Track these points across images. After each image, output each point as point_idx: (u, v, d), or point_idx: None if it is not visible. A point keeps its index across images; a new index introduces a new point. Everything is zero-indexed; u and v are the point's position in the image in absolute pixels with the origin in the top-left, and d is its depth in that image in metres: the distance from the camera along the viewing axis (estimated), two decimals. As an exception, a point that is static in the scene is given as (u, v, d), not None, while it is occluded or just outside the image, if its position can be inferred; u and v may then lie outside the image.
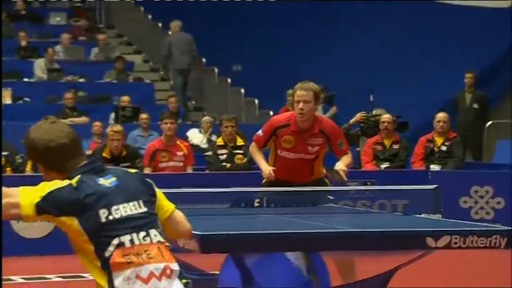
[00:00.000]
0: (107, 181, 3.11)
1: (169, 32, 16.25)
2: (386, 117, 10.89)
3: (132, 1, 18.51)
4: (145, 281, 3.03)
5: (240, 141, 10.82)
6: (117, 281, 3.02)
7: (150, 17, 17.96)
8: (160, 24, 17.44)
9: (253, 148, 6.25)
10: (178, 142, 10.74)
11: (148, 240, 3.08)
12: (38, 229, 8.99)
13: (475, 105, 13.78)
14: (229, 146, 10.76)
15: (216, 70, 16.77)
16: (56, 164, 3.14)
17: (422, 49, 16.62)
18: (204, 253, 4.24)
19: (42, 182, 3.14)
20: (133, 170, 3.29)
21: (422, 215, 5.37)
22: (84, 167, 3.13)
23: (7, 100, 14.39)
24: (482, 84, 14.75)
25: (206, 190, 5.73)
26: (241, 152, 10.74)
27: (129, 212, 3.08)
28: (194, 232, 4.01)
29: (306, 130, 6.01)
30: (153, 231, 3.10)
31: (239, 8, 18.04)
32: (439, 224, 5.08)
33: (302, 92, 6.03)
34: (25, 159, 10.14)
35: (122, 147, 10.17)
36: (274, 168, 6.00)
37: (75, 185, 3.08)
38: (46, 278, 7.79)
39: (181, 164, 10.57)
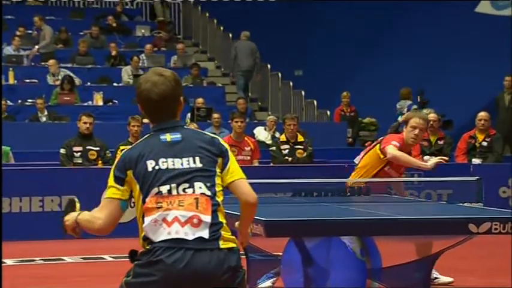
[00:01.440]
0: (170, 136, 3.01)
1: (238, 41, 16.35)
2: (432, 116, 10.73)
3: (207, 14, 18.61)
4: (169, 224, 2.90)
5: (300, 138, 10.79)
6: (146, 223, 2.93)
7: (222, 28, 18.03)
8: (230, 35, 17.50)
9: (398, 152, 5.99)
10: (246, 138, 10.76)
11: (190, 191, 2.95)
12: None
13: (514, 105, 13.46)
14: (291, 142, 10.73)
15: (279, 75, 16.76)
16: (146, 112, 3.09)
17: (466, 55, 16.31)
18: (269, 237, 4.21)
19: None
20: (211, 134, 3.14)
21: (465, 204, 5.26)
22: (160, 125, 3.05)
23: (99, 102, 14.62)
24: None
25: (271, 181, 5.71)
26: (301, 147, 10.70)
27: (178, 166, 2.96)
28: (259, 218, 3.99)
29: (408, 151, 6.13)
30: (198, 184, 2.96)
31: (300, 21, 17.98)
32: (481, 211, 4.97)
33: (421, 121, 6.08)
34: (114, 153, 10.29)
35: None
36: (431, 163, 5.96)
37: (137, 143, 3.06)
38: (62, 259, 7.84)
39: (248, 157, 10.59)
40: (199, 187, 2.96)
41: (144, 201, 2.96)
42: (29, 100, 14.03)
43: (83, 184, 8.86)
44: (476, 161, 10.57)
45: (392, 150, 5.92)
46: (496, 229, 4.29)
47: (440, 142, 10.78)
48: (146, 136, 3.09)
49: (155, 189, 2.95)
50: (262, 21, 17.79)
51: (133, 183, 2.99)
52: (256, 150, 10.71)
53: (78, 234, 3.14)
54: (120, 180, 3.01)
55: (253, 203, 3.10)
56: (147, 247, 2.95)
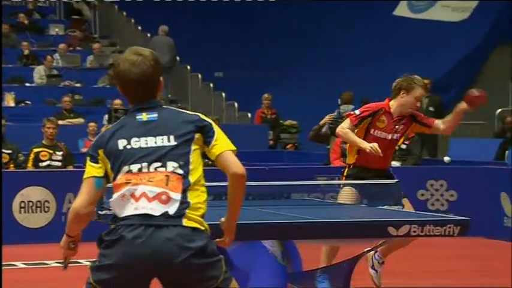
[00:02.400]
0: (146, 116, 2.98)
1: (155, 36, 16.34)
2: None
3: (124, 13, 18.43)
4: (136, 199, 2.86)
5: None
6: (113, 198, 2.90)
7: (140, 28, 17.88)
8: (149, 35, 17.39)
9: (344, 129, 5.90)
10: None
11: (162, 170, 2.90)
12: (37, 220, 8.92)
13: (431, 109, 13.86)
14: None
15: (200, 76, 16.75)
16: (124, 90, 3.05)
17: (386, 60, 16.69)
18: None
19: None
20: (192, 112, 3.08)
21: (384, 207, 5.38)
22: (137, 105, 3.01)
23: (10, 103, 14.27)
24: (439, 90, 14.83)
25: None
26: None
27: (151, 144, 2.92)
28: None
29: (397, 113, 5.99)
30: (171, 163, 2.91)
31: (221, 22, 18.01)
32: (400, 214, 5.09)
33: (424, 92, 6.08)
34: (27, 156, 10.07)
35: (114, 146, 10.11)
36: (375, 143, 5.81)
37: (109, 126, 3.05)
38: (46, 264, 7.72)
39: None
40: (172, 166, 2.91)
41: (114, 180, 2.95)
42: None
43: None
44: (395, 163, 10.82)
45: (342, 125, 5.96)
46: (414, 231, 4.40)
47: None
48: (123, 117, 3.09)
49: (125, 168, 2.91)
50: (182, 21, 17.74)
51: (105, 161, 2.97)
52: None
53: (75, 250, 3.12)
54: (93, 159, 3.00)
55: (241, 175, 3.05)
56: (112, 226, 2.90)
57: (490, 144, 12.57)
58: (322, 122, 11.26)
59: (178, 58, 17.11)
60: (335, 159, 10.96)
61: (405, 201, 5.67)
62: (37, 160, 10.00)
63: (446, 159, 11.33)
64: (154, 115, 2.98)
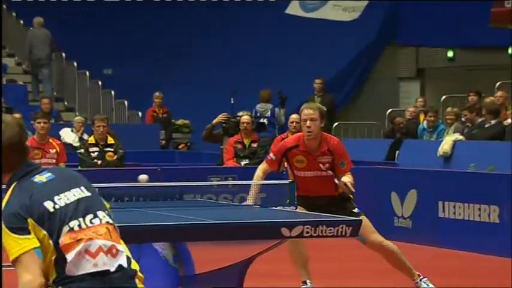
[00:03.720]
0: (42, 177, 2.94)
1: (31, 28, 15.95)
2: (245, 118, 10.99)
3: (4, 6, 17.84)
4: (93, 255, 2.86)
5: (110, 140, 10.65)
6: (70, 258, 2.85)
7: (22, 22, 17.37)
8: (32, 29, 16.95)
9: (260, 172, 5.87)
10: (50, 140, 10.43)
11: (96, 221, 2.92)
12: None
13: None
14: (100, 144, 10.56)
15: (87, 73, 16.44)
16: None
17: (279, 58, 16.88)
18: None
19: None
20: (74, 173, 3.09)
21: (278, 208, 5.44)
22: (19, 171, 2.93)
23: None
24: (331, 90, 15.14)
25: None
26: (111, 150, 10.57)
27: (73, 198, 2.92)
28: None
29: (315, 149, 5.78)
30: (100, 213, 2.95)
31: (109, 18, 17.75)
32: (293, 215, 5.16)
33: (309, 110, 5.80)
34: None
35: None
36: (253, 204, 5.68)
37: (10, 196, 2.90)
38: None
39: (54, 161, 10.27)
40: (103, 216, 2.96)
41: (56, 243, 2.87)
42: None
43: None
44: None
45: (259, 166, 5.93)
46: (307, 232, 4.47)
47: (254, 145, 11.07)
48: (14, 185, 2.94)
49: (66, 228, 2.88)
50: (71, 16, 17.36)
51: (37, 229, 2.88)
52: (62, 152, 10.42)
53: None
54: (23, 230, 2.87)
55: None
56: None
57: (381, 144, 12.93)
58: (214, 122, 11.28)
59: (64, 55, 16.73)
60: (228, 159, 11.01)
61: (363, 218, 5.64)
62: None
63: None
64: (49, 174, 2.99)
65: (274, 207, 5.45)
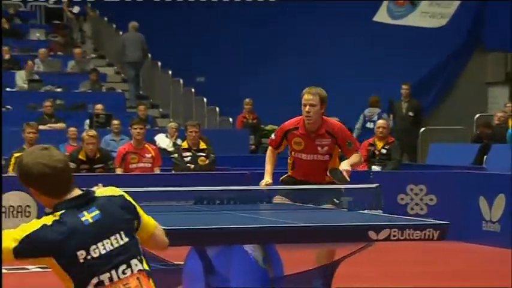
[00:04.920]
0: (89, 215, 2.82)
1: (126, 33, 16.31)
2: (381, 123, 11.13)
3: (106, 19, 18.37)
4: None
5: (202, 145, 10.78)
6: None
7: (121, 33, 17.84)
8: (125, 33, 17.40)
9: (268, 153, 5.98)
10: (146, 145, 10.67)
11: (128, 272, 2.83)
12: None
13: (411, 113, 13.93)
14: (193, 149, 10.71)
15: (181, 81, 16.73)
16: (47, 188, 2.85)
17: (366, 64, 16.75)
18: (170, 246, 4.18)
19: (22, 224, 2.86)
20: (117, 193, 2.95)
21: (365, 211, 5.39)
22: (70, 201, 2.84)
23: (-9, 108, 14.17)
24: (418, 95, 14.91)
25: (172, 189, 5.68)
26: (203, 154, 10.70)
27: (108, 249, 2.81)
28: (161, 227, 3.95)
29: (313, 131, 5.80)
30: (134, 261, 2.85)
31: (203, 28, 18.01)
32: (380, 218, 5.10)
33: (309, 96, 5.81)
34: (7, 161, 9.98)
35: (96, 150, 10.09)
36: (270, 182, 5.78)
37: (50, 223, 2.79)
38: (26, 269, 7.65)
39: (149, 165, 10.49)
40: (135, 264, 2.87)
41: None
42: None
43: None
44: (375, 168, 10.85)
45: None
46: (394, 236, 4.41)
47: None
48: (60, 214, 2.84)
49: (95, 280, 2.80)
50: (166, 26, 17.72)
51: (56, 268, 2.80)
52: (157, 157, 10.63)
53: None
54: (24, 256, 2.79)
55: (167, 244, 3.17)
56: None
57: (469, 149, 12.64)
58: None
59: (159, 63, 17.08)
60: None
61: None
62: (18, 165, 9.91)
63: None
64: (96, 212, 2.85)
65: (360, 211, 5.40)
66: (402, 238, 4.41)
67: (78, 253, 2.78)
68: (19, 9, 18.72)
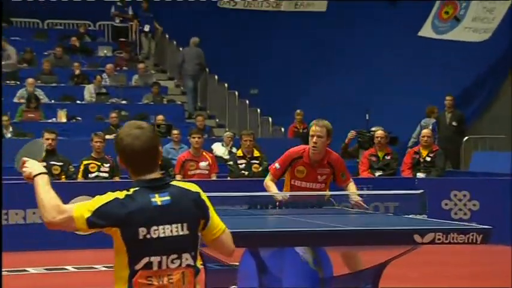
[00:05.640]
0: (160, 198, 2.83)
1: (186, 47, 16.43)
2: (380, 133, 10.88)
3: (167, 36, 18.60)
4: None
5: (256, 153, 10.81)
6: None
7: (181, 49, 18.03)
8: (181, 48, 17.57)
9: (267, 182, 5.96)
10: (204, 153, 10.74)
11: (177, 263, 2.81)
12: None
13: (454, 123, 13.73)
14: (247, 157, 10.75)
15: (236, 93, 16.82)
16: (130, 164, 2.87)
17: (410, 77, 16.58)
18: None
19: (96, 196, 2.91)
20: (194, 189, 2.94)
21: (410, 216, 5.33)
22: (147, 181, 2.84)
23: (62, 119, 14.45)
24: (461, 106, 14.69)
25: (228, 194, 5.70)
26: (257, 162, 10.73)
27: (168, 234, 2.80)
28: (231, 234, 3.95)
29: (317, 161, 5.82)
30: (185, 255, 2.83)
31: (255, 44, 18.09)
32: (425, 223, 5.03)
33: (317, 128, 5.83)
34: (77, 168, 10.16)
35: (157, 158, 10.19)
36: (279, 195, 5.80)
37: (122, 198, 2.82)
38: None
39: (207, 172, 10.56)
40: (186, 258, 2.85)
41: (131, 265, 2.80)
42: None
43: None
44: (420, 175, 10.73)
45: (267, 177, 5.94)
46: (439, 239, 4.35)
47: (388, 157, 10.92)
48: (133, 191, 2.86)
49: (146, 259, 2.79)
50: (222, 43, 17.85)
51: (119, 240, 2.81)
52: (213, 164, 10.70)
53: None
54: (95, 225, 2.82)
55: (233, 251, 3.08)
56: None
57: (510, 157, 12.39)
58: (347, 140, 11.21)
59: (216, 77, 17.20)
60: (363, 170, 10.90)
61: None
62: (86, 172, 10.10)
63: None
64: (167, 198, 2.85)
65: (406, 216, 5.34)
66: (446, 242, 4.35)
67: (140, 229, 2.79)
68: (88, 28, 19.09)
